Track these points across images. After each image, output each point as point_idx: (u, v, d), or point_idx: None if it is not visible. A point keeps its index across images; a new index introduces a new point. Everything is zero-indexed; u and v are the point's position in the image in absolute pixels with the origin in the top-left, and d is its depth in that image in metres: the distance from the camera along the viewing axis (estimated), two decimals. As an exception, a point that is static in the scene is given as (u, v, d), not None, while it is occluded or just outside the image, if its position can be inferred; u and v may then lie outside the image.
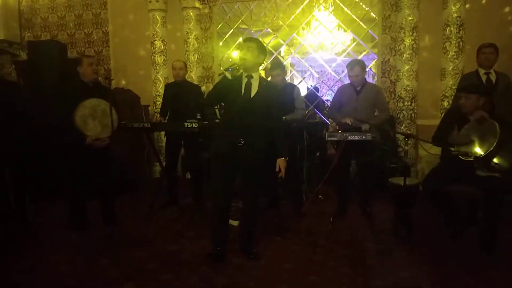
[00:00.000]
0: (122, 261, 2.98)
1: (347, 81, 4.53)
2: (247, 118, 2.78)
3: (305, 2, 6.12)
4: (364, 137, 3.52)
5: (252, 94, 2.84)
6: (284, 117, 3.95)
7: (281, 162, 2.92)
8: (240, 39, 6.65)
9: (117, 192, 3.64)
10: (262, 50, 2.91)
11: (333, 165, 3.71)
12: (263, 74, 6.59)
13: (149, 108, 6.08)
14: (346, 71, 4.10)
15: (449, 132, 3.21)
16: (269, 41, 6.69)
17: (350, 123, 3.70)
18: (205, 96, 4.43)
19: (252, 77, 2.86)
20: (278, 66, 4.07)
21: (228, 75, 2.73)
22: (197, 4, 5.95)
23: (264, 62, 3.29)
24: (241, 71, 2.82)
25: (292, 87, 4.24)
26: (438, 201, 3.19)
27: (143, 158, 5.78)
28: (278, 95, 3.10)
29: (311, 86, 7.48)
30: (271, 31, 6.66)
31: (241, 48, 2.90)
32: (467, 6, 5.00)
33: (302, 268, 2.83)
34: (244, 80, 2.85)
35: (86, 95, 3.31)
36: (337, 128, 3.81)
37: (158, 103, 6.02)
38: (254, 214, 3.07)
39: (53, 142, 3.79)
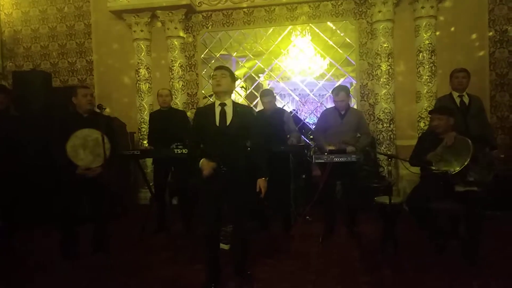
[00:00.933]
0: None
1: (327, 105, 4.73)
2: (226, 145, 2.84)
3: (285, 32, 6.38)
4: (349, 159, 3.68)
5: (228, 122, 2.89)
6: (291, 140, 4.13)
7: (261, 182, 2.97)
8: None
9: (108, 220, 3.63)
10: (234, 78, 3.01)
11: (321, 187, 3.84)
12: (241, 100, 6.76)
13: (134, 135, 6.12)
14: (326, 95, 4.30)
15: (425, 152, 3.42)
16: (252, 67, 6.90)
17: (334, 149, 3.86)
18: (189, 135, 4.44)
19: (225, 104, 2.91)
20: (269, 93, 4.32)
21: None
22: (181, 34, 6.12)
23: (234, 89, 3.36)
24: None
25: (282, 112, 4.44)
26: (421, 218, 3.35)
27: (129, 184, 5.77)
28: (254, 118, 3.19)
29: (293, 110, 7.69)
30: (252, 57, 6.87)
31: (215, 76, 2.93)
32: (437, 33, 5.35)
33: (297, 287, 2.90)
34: (218, 109, 2.90)
35: (79, 125, 3.36)
36: (321, 150, 3.97)
37: (143, 129, 6.08)
38: (244, 236, 3.11)
39: (44, 171, 3.80)
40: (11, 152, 3.51)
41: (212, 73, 2.99)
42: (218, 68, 2.99)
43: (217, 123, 2.87)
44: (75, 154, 3.33)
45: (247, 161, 2.95)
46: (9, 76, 6.31)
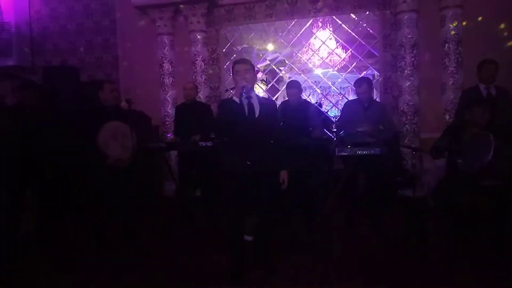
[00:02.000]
0: (145, 279, 3.07)
1: (349, 97, 4.71)
2: (254, 137, 2.86)
3: (307, 24, 6.35)
4: (372, 152, 3.66)
5: (256, 114, 2.91)
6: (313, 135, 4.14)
7: (284, 174, 3.01)
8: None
9: (136, 210, 3.76)
10: (255, 69, 3.02)
11: (343, 180, 3.85)
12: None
13: (159, 128, 6.25)
14: (348, 87, 4.28)
15: (446, 144, 3.38)
16: (274, 60, 6.92)
17: (363, 130, 3.85)
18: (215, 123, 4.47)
19: (251, 97, 2.93)
20: (294, 85, 4.28)
21: (238, 101, 2.81)
22: (204, 27, 6.17)
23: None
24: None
25: (308, 104, 4.42)
26: (448, 212, 3.33)
27: (154, 177, 5.91)
28: (275, 110, 3.19)
29: (316, 102, 7.67)
30: (273, 50, 6.89)
31: (237, 71, 2.91)
32: (464, 23, 5.22)
33: (319, 282, 2.93)
34: (245, 101, 2.90)
35: (106, 118, 3.48)
36: (348, 139, 3.96)
37: (167, 123, 6.20)
38: (269, 227, 3.17)
39: (75, 162, 3.95)
40: (40, 147, 3.65)
41: (233, 67, 2.97)
42: (239, 62, 2.97)
43: (247, 115, 2.89)
44: (106, 145, 3.46)
45: (271, 153, 2.97)
46: (39, 72, 6.53)
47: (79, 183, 4.09)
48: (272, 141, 3.00)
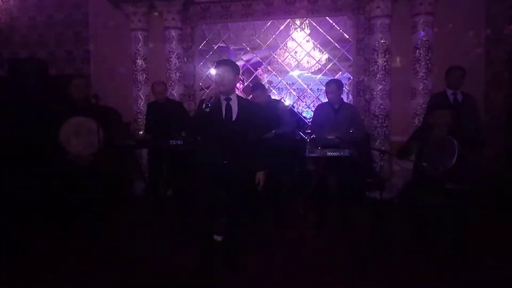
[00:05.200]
0: (110, 277, 3.01)
1: (324, 99, 4.75)
2: (229, 139, 2.84)
3: (283, 25, 6.38)
4: (342, 154, 3.71)
5: (233, 117, 2.88)
6: (273, 131, 4.12)
7: (260, 175, 3.01)
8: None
9: (101, 209, 3.65)
10: (237, 69, 2.93)
11: (314, 180, 3.88)
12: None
13: (130, 125, 6.12)
14: (323, 89, 4.32)
15: (413, 147, 3.46)
16: (250, 60, 6.91)
17: (335, 137, 3.88)
18: (188, 123, 4.39)
19: (230, 99, 2.89)
20: (258, 86, 4.29)
21: (207, 110, 2.70)
22: (179, 24, 6.09)
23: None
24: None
25: (277, 103, 4.43)
26: (413, 212, 3.40)
27: (124, 175, 5.78)
28: (258, 113, 3.16)
29: (289, 104, 7.71)
30: (249, 50, 6.88)
31: (217, 74, 2.85)
32: (435, 30, 5.36)
33: (289, 279, 2.95)
34: (223, 103, 2.87)
35: (74, 114, 3.38)
36: (320, 142, 4.00)
37: (140, 120, 6.08)
38: (238, 227, 3.15)
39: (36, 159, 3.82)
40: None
41: (214, 69, 2.94)
42: (219, 64, 2.92)
43: (224, 117, 2.85)
44: (67, 141, 3.35)
45: (246, 155, 2.96)
46: (5, 64, 6.28)
47: (41, 180, 3.94)
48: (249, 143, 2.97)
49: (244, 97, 4.18)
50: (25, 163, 4.33)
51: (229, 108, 2.88)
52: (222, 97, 2.87)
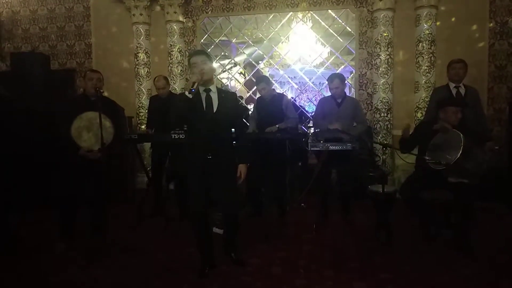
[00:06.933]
0: (113, 270, 3.03)
1: (326, 93, 4.73)
2: (213, 131, 2.80)
3: (285, 18, 6.36)
4: (344, 147, 3.70)
5: (214, 108, 2.85)
6: (277, 126, 4.11)
7: (242, 168, 2.97)
8: (223, 53, 6.84)
9: (106, 203, 3.66)
10: (212, 60, 2.91)
11: (316, 174, 3.88)
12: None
13: (132, 119, 6.13)
14: (325, 83, 4.29)
15: (417, 141, 3.45)
16: (252, 54, 6.89)
17: (339, 128, 3.88)
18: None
19: (210, 90, 2.87)
20: (262, 79, 4.25)
21: (190, 96, 2.63)
22: (181, 18, 6.08)
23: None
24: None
25: (281, 97, 4.41)
26: (414, 206, 3.40)
27: (128, 168, 5.80)
28: (238, 103, 3.14)
29: (292, 98, 7.69)
30: (252, 43, 6.85)
31: (194, 64, 2.80)
32: (438, 23, 5.32)
33: (289, 273, 2.95)
34: (203, 95, 2.84)
35: (86, 108, 3.39)
36: (322, 134, 3.98)
37: (142, 114, 6.09)
38: (234, 221, 3.12)
39: (46, 152, 3.83)
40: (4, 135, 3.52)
41: (190, 59, 2.85)
42: (196, 54, 2.89)
43: (204, 109, 2.82)
44: (79, 136, 3.36)
45: (230, 147, 2.96)
46: (7, 58, 6.29)
47: (48, 173, 3.95)
48: (234, 134, 2.97)
49: (225, 89, 4.14)
50: (27, 159, 4.34)
51: (209, 99, 2.86)
52: (201, 89, 2.83)
